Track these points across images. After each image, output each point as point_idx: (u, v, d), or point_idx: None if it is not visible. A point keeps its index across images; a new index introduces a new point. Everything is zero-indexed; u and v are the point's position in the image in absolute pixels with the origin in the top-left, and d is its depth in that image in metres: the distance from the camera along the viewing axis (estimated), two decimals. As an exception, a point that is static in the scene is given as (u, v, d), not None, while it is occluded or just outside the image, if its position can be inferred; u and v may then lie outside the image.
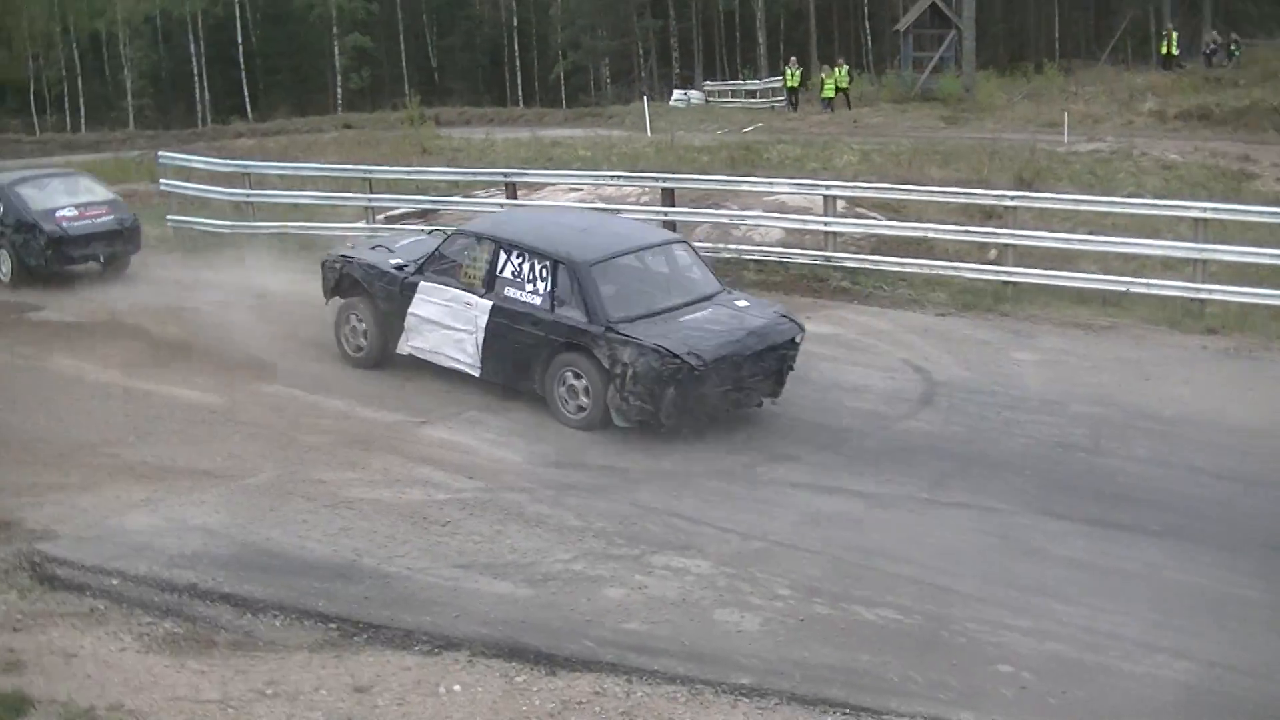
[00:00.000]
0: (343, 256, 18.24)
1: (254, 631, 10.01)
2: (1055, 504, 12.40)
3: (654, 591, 10.47)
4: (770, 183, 24.20)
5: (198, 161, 31.40)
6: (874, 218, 23.94)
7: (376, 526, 11.74)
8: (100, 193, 24.99)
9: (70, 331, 20.09)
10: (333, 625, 10.02)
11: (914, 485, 12.90)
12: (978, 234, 21.77)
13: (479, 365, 15.80)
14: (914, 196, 23.04)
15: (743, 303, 15.85)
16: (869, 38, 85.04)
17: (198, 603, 10.34)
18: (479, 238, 16.35)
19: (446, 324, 16.09)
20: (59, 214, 23.30)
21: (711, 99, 68.13)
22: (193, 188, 29.78)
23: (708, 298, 15.66)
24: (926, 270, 21.28)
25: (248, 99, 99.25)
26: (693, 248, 17.25)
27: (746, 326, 15.01)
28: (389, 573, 10.76)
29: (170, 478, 13.19)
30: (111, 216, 24.02)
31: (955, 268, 21.21)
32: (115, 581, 10.75)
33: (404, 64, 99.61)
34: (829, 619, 10.03)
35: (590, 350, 14.61)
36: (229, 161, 31.48)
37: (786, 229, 23.42)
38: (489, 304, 15.58)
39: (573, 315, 14.86)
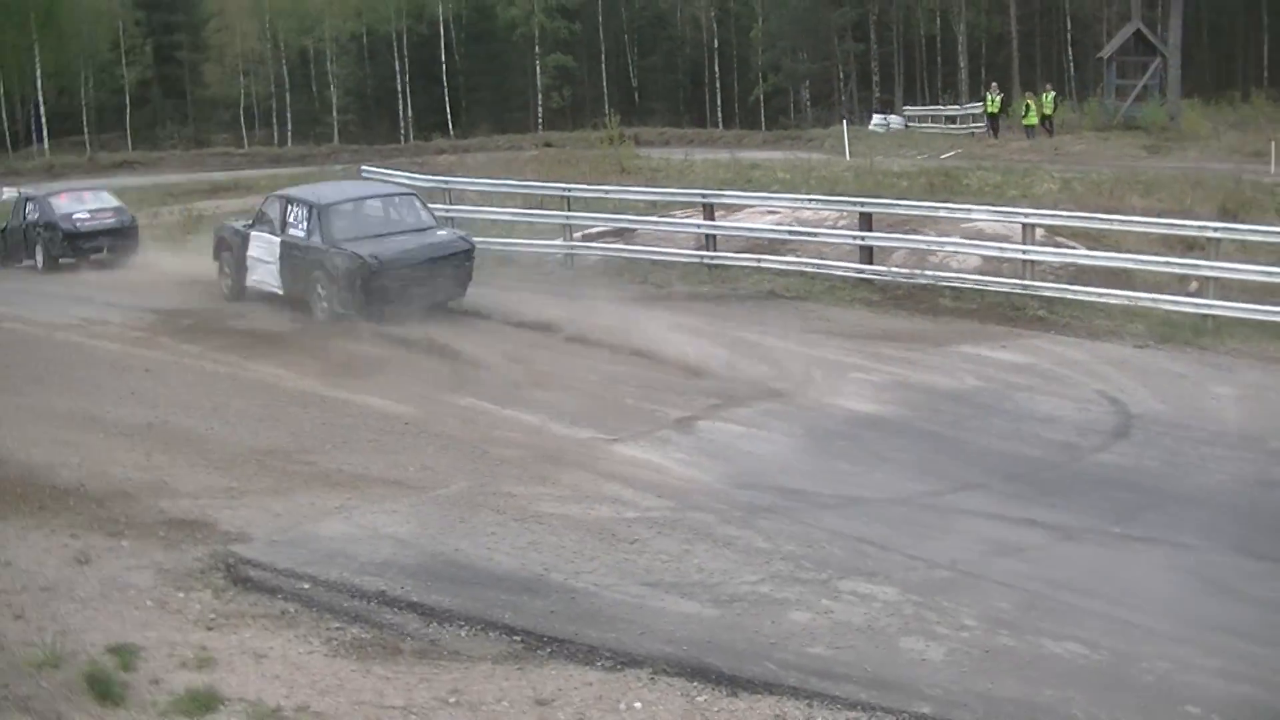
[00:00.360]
0: (220, 226, 26.58)
1: (439, 640, 10.11)
2: (1253, 543, 12.04)
3: (839, 617, 10.38)
4: (968, 209, 24.01)
5: (399, 176, 31.99)
6: (1073, 247, 23.60)
7: (565, 542, 11.80)
8: (111, 201, 32.77)
9: (271, 339, 20.62)
10: (517, 638, 10.07)
11: (1105, 519, 12.63)
12: (1179, 265, 21.30)
13: (280, 286, 23.08)
14: (1114, 226, 22.64)
15: (442, 232, 23.44)
16: (1071, 64, 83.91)
17: (385, 610, 10.48)
18: (277, 198, 24.16)
19: (264, 259, 23.37)
20: (75, 216, 31.17)
21: (911, 124, 67.79)
22: (394, 202, 30.31)
23: (418, 230, 22.81)
24: (1125, 301, 20.86)
25: (449, 115, 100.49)
26: (421, 200, 24.40)
27: (425, 243, 22.35)
28: (575, 588, 10.81)
29: (363, 486, 13.42)
30: (114, 219, 31.73)
31: (1154, 299, 20.72)
32: (306, 585, 10.95)
33: (604, 83, 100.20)
34: (1014, 651, 9.86)
35: (324, 263, 21.75)
36: (430, 177, 32.09)
37: (984, 256, 23.14)
38: (279, 239, 23.00)
39: (317, 240, 22.07)
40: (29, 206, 32.04)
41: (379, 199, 24.25)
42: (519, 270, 25.97)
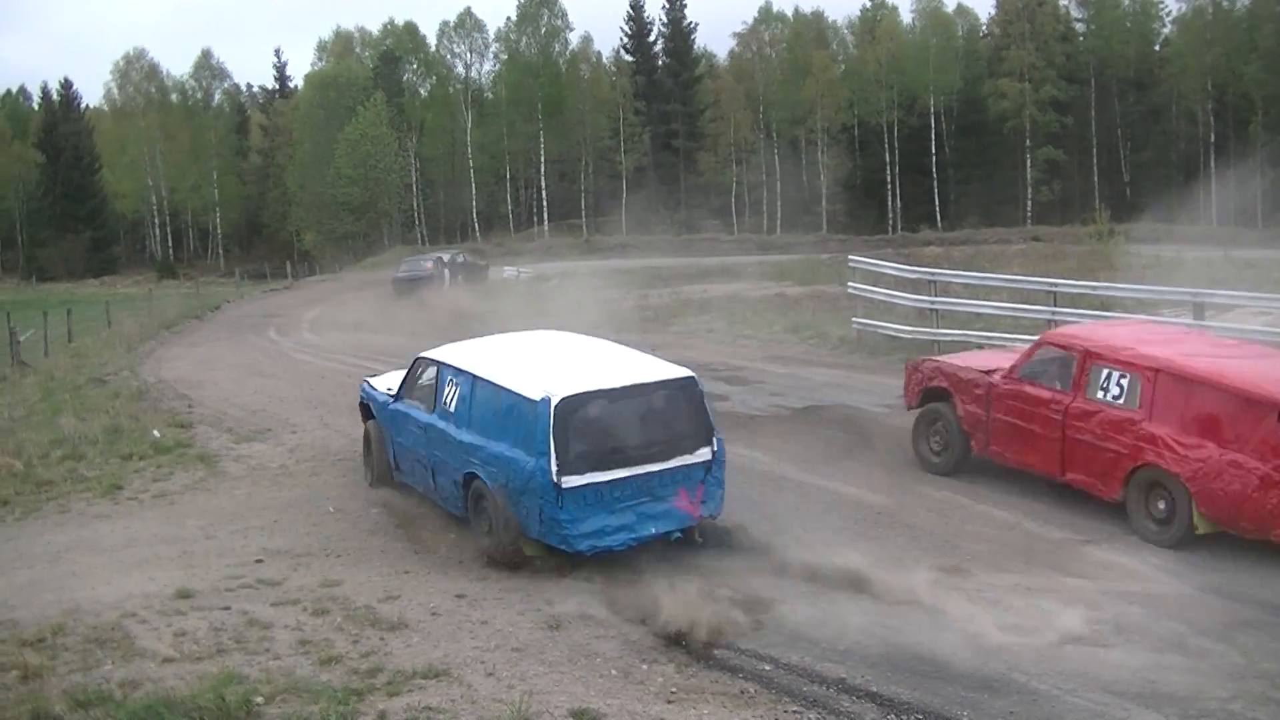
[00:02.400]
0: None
1: (895, 733, 10.04)
2: None
3: (1315, 741, 9.85)
4: None
5: (887, 267, 32.13)
6: None
7: (1029, 641, 11.57)
8: (424, 265, 58.97)
9: (750, 423, 20.89)
10: (975, 737, 9.94)
11: None
12: None
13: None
14: None
15: (428, 267, 59.16)
16: None
17: (844, 698, 10.44)
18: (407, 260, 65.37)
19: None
20: (402, 269, 59.63)
21: None
22: (879, 292, 30.44)
23: (419, 270, 58.86)
24: None
25: (937, 207, 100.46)
26: (435, 259, 60.90)
27: (414, 274, 57.80)
28: (1037, 690, 10.56)
29: (829, 572, 13.41)
30: (414, 273, 57.20)
31: None
32: (768, 667, 11.04)
33: (1095, 178, 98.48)
34: None
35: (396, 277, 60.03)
36: (916, 269, 32.07)
37: None
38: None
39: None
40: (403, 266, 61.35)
41: (423, 259, 60.73)
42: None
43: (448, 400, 15.46)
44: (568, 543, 13.55)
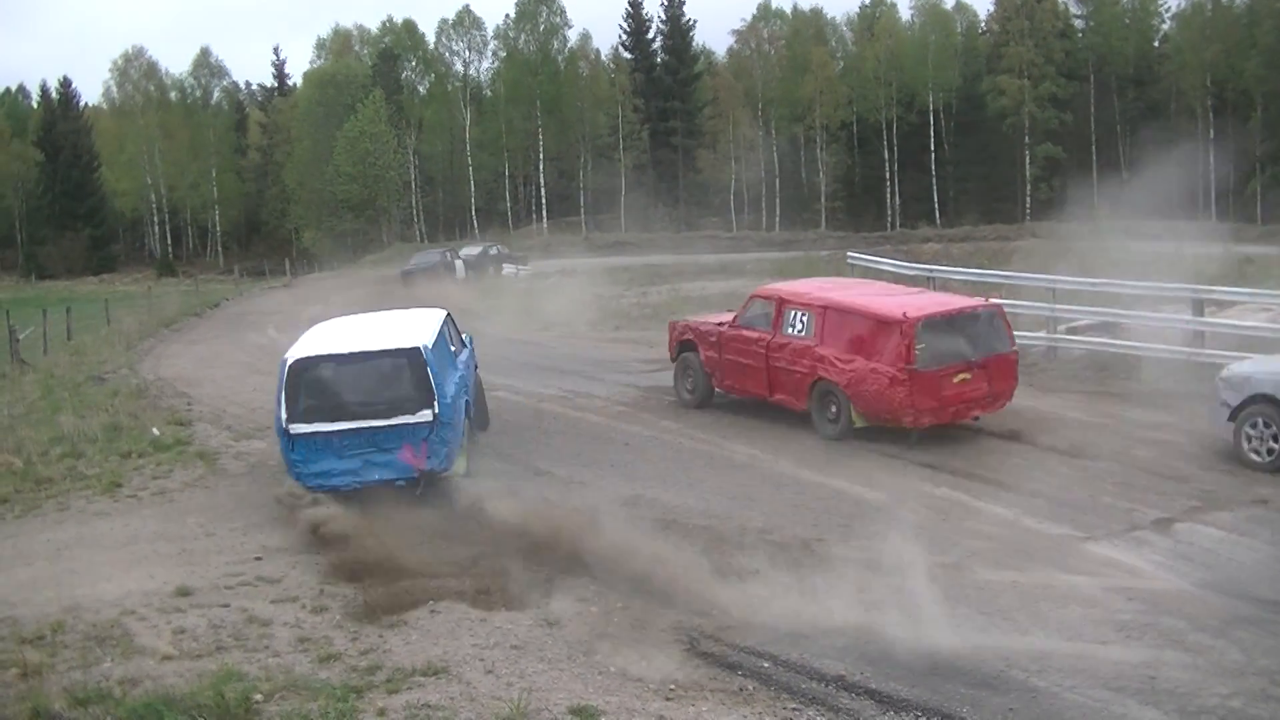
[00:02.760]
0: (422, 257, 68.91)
1: (894, 731, 10.03)
2: None
3: (1314, 739, 9.83)
4: None
5: (885, 264, 32.20)
6: None
7: (1027, 638, 11.57)
8: (435, 256, 64.99)
9: (753, 421, 20.89)
10: (975, 734, 9.92)
11: None
12: None
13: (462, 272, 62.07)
14: None
15: (435, 259, 65.05)
16: None
17: (843, 695, 10.44)
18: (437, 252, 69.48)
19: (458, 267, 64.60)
20: (411, 263, 64.17)
21: None
22: (877, 289, 30.47)
23: (432, 262, 63.82)
24: None
25: (936, 204, 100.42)
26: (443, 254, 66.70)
27: (414, 266, 63.73)
28: (1037, 687, 10.56)
29: (830, 568, 13.40)
30: (420, 265, 61.98)
31: None
32: (766, 664, 11.04)
33: (1094, 174, 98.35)
34: None
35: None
36: (915, 265, 32.12)
37: None
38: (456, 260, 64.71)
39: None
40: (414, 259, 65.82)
41: (433, 253, 66.81)
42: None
43: None
44: (299, 480, 16.51)
